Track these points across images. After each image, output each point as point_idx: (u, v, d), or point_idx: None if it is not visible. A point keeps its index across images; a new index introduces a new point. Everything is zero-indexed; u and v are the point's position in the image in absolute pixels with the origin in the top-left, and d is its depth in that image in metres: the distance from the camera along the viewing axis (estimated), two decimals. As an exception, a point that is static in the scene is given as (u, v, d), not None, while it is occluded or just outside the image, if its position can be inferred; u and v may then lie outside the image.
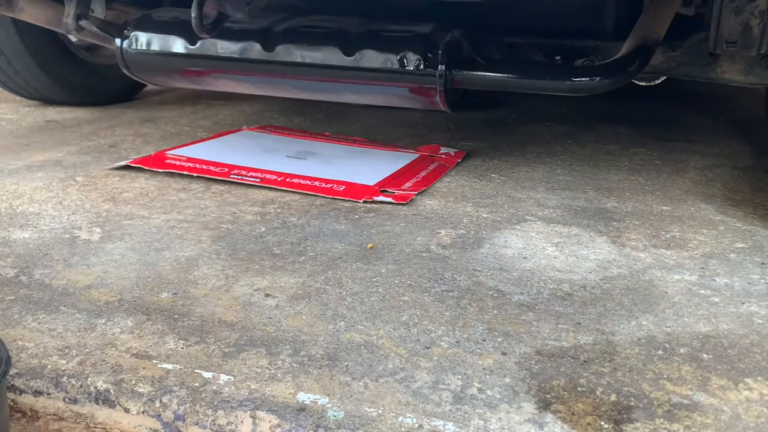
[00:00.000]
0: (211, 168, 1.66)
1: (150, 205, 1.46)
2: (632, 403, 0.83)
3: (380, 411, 0.81)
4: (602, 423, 0.80)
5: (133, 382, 0.85)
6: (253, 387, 0.85)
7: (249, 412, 0.81)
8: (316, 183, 1.59)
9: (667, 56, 1.74)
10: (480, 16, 1.77)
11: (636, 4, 1.67)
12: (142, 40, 1.66)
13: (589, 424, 0.80)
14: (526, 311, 1.05)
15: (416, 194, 1.55)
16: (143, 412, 0.83)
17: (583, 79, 1.45)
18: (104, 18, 1.76)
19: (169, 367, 0.89)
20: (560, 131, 2.22)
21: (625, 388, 0.86)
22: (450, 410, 0.82)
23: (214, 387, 0.85)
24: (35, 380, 0.87)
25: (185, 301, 1.06)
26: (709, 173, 1.78)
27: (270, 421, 0.80)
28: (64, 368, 0.88)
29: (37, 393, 0.86)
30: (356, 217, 1.42)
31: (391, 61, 1.50)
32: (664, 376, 0.89)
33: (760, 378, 0.89)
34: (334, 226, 1.36)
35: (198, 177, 1.63)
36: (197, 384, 0.85)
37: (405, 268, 1.19)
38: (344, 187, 1.57)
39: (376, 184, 1.58)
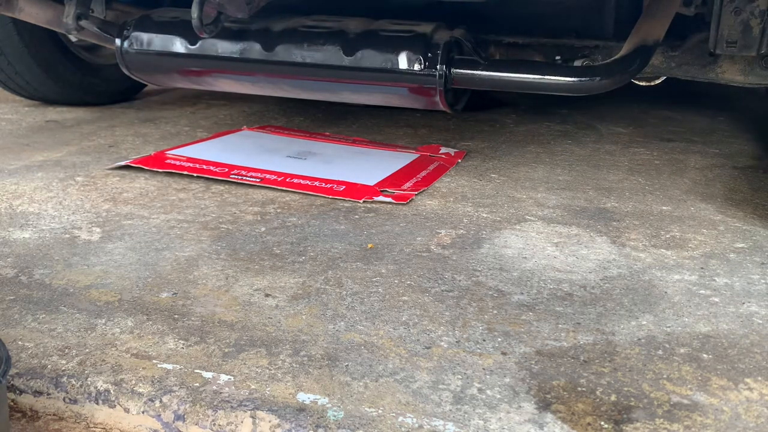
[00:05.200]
0: (211, 168, 1.66)
1: (150, 205, 1.46)
2: (632, 403, 0.83)
3: (380, 411, 0.81)
4: (602, 423, 0.80)
5: (133, 382, 0.85)
6: (253, 387, 0.85)
7: (249, 412, 0.81)
8: (316, 183, 1.59)
9: (667, 56, 1.74)
10: (480, 16, 1.77)
11: (636, 4, 1.67)
12: (142, 40, 1.67)
13: (589, 424, 0.80)
14: (526, 311, 1.05)
15: (416, 194, 1.55)
16: (143, 412, 0.83)
17: (583, 79, 1.45)
18: (104, 18, 1.76)
19: (169, 367, 0.89)
20: (560, 131, 2.22)
21: (625, 388, 0.86)
22: (450, 410, 0.82)
23: (214, 387, 0.85)
24: (35, 380, 0.87)
25: (185, 301, 1.06)
26: (709, 173, 1.78)
27: (270, 421, 0.80)
28: (64, 368, 0.88)
29: (37, 393, 0.86)
30: (356, 217, 1.42)
31: (391, 61, 1.50)
32: (664, 376, 0.89)
33: (760, 378, 0.89)
34: (334, 226, 1.36)
35: (198, 177, 1.63)
36: (197, 384, 0.85)
37: (405, 268, 1.19)
38: (344, 187, 1.57)
39: (376, 184, 1.58)
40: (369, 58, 1.52)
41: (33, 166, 1.70)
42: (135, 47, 1.67)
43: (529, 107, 2.60)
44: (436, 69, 1.48)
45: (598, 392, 0.86)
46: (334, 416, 0.80)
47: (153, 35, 1.66)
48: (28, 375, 0.87)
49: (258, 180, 1.60)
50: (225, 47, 1.61)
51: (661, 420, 0.81)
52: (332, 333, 0.98)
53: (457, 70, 1.50)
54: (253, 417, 0.81)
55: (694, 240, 1.33)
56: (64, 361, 0.89)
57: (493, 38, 1.80)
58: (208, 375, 0.87)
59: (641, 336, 0.98)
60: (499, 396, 0.84)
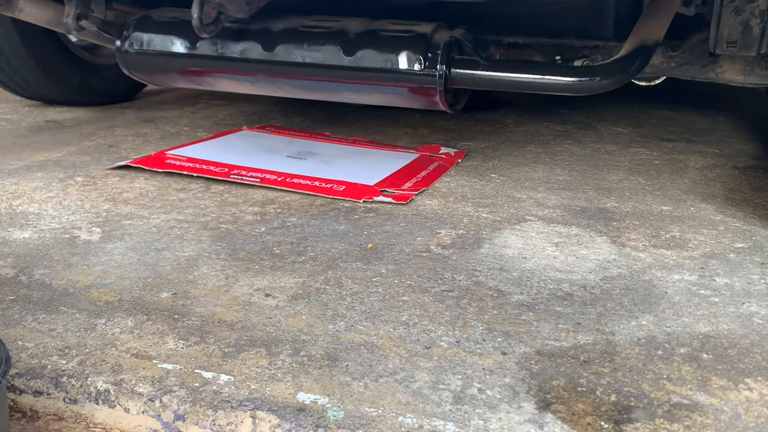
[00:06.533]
0: (211, 168, 1.66)
1: (150, 205, 1.46)
2: (632, 403, 0.83)
3: (380, 411, 0.81)
4: (602, 423, 0.80)
5: (133, 382, 0.85)
6: (253, 387, 0.85)
7: (249, 412, 0.81)
8: (316, 183, 1.59)
9: (667, 56, 1.75)
10: (480, 16, 1.77)
11: (636, 4, 1.67)
12: (142, 40, 1.67)
13: (589, 424, 0.80)
14: (526, 311, 1.05)
15: (416, 194, 1.55)
16: (143, 412, 0.83)
17: (583, 79, 1.45)
18: (104, 18, 1.76)
19: (169, 367, 0.89)
20: (560, 131, 2.22)
21: (625, 388, 0.86)
22: (450, 410, 0.82)
23: (214, 387, 0.85)
24: (35, 380, 0.87)
25: (185, 301, 1.06)
26: (709, 173, 1.78)
27: (270, 421, 0.80)
28: (64, 368, 0.88)
29: (37, 393, 0.86)
30: (356, 217, 1.42)
31: (391, 61, 1.50)
32: (664, 376, 0.89)
33: (760, 378, 0.89)
34: (334, 226, 1.36)
35: (198, 177, 1.63)
36: (197, 384, 0.85)
37: (405, 268, 1.19)
38: (344, 187, 1.57)
39: (376, 184, 1.58)
40: (369, 58, 1.52)
41: (33, 166, 1.70)
42: (135, 47, 1.67)
43: (529, 107, 2.60)
44: (436, 69, 1.48)
45: (598, 392, 0.86)
46: (334, 416, 0.80)
47: (153, 35, 1.66)
48: (28, 375, 0.87)
49: (258, 180, 1.60)
50: (225, 47, 1.61)
51: (661, 420, 0.81)
52: (332, 333, 0.98)
53: (457, 70, 1.50)
54: (253, 417, 0.81)
55: (694, 240, 1.33)
56: (64, 361, 0.89)
57: (493, 38, 1.80)
58: (208, 375, 0.87)
59: (641, 336, 0.98)
60: (499, 396, 0.84)
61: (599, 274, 1.18)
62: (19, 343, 0.94)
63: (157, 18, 1.69)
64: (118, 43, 1.68)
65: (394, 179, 1.63)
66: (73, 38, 2.27)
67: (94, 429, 0.84)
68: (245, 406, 0.82)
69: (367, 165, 1.74)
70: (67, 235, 1.29)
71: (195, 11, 1.43)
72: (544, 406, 0.83)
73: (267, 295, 1.08)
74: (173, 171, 1.65)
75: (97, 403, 0.85)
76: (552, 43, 1.77)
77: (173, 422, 0.82)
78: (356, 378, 0.87)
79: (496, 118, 2.41)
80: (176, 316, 1.01)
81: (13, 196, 1.49)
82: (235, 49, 1.60)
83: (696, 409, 0.83)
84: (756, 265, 1.22)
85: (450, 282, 1.14)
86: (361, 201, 1.50)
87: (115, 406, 0.84)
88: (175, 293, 1.08)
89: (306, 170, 1.68)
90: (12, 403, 0.86)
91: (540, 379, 0.88)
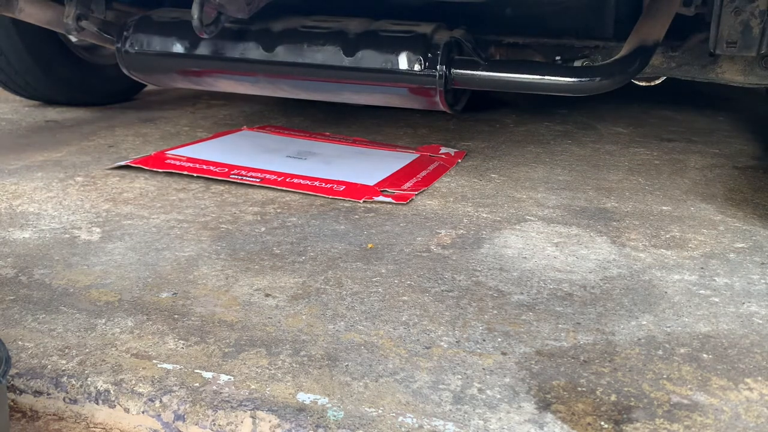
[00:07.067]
0: (211, 168, 1.66)
1: (150, 205, 1.46)
2: (632, 403, 0.84)
3: (380, 411, 0.81)
4: (602, 423, 0.80)
5: (133, 382, 0.85)
6: (253, 387, 0.85)
7: (249, 412, 0.81)
8: (316, 183, 1.59)
9: (667, 56, 1.75)
10: (480, 16, 1.77)
11: (636, 4, 1.67)
12: (142, 40, 1.67)
13: (589, 424, 0.80)
14: (526, 311, 1.05)
15: (416, 194, 1.55)
16: (143, 412, 0.83)
17: (583, 79, 1.45)
18: (104, 18, 1.76)
19: (169, 367, 0.89)
20: (560, 131, 2.22)
21: (625, 388, 0.86)
22: (450, 410, 0.82)
23: (214, 387, 0.85)
24: (35, 380, 0.87)
25: (185, 301, 1.06)
26: (709, 173, 1.78)
27: (270, 421, 0.80)
28: (64, 368, 0.88)
29: (37, 393, 0.86)
30: (356, 217, 1.42)
31: (391, 61, 1.50)
32: (664, 376, 0.89)
33: (760, 378, 0.89)
34: (334, 226, 1.36)
35: (198, 177, 1.63)
36: (197, 384, 0.85)
37: (405, 268, 1.19)
38: (344, 187, 1.57)
39: (376, 184, 1.58)
40: (369, 58, 1.52)
41: (33, 166, 1.70)
42: (135, 48, 1.67)
43: (529, 107, 2.60)
44: (436, 69, 1.48)
45: (598, 392, 0.86)
46: (334, 416, 0.80)
47: (153, 36, 1.66)
48: (28, 375, 0.87)
49: (258, 180, 1.60)
50: (225, 47, 1.61)
51: (661, 420, 0.81)
52: (332, 333, 0.98)
53: (457, 71, 1.50)
54: (253, 417, 0.81)
55: (694, 240, 1.33)
56: (64, 361, 0.89)
57: (493, 38, 1.80)
58: (208, 375, 0.87)
59: (641, 336, 0.98)
60: (499, 396, 0.84)
61: (599, 274, 1.18)
62: (19, 343, 0.94)
63: (157, 18, 1.69)
64: (118, 43, 1.68)
65: (394, 179, 1.63)
66: (73, 38, 2.27)
67: (94, 429, 0.84)
68: (245, 406, 0.82)
69: (367, 165, 1.74)
70: (67, 235, 1.30)
71: (195, 12, 1.43)
72: (544, 406, 0.83)
73: (267, 295, 1.08)
74: (173, 171, 1.65)
75: (97, 403, 0.85)
76: (552, 44, 1.77)
77: (173, 422, 0.82)
78: (356, 378, 0.87)
79: (496, 118, 2.41)
80: (176, 316, 1.01)
81: (13, 196, 1.49)
82: (235, 49, 1.60)
83: (696, 409, 0.83)
84: (756, 265, 1.22)
85: (450, 282, 1.14)
86: (361, 201, 1.50)
87: (115, 406, 0.84)
88: (175, 293, 1.08)
89: (306, 170, 1.68)
90: (12, 403, 0.86)
91: (540, 379, 0.88)
